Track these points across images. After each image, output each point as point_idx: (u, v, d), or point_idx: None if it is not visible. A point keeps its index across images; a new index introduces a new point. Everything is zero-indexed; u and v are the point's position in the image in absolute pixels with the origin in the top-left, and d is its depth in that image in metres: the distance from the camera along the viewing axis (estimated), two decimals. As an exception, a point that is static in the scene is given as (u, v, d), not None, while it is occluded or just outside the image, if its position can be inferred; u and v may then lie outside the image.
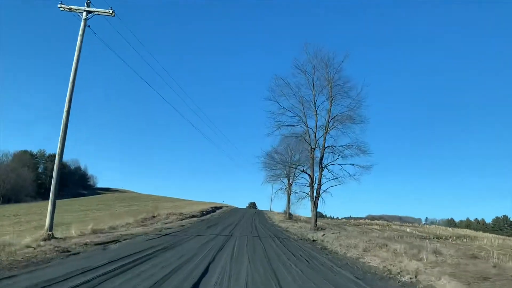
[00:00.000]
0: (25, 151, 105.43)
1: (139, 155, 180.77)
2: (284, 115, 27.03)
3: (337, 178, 26.34)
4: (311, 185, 26.31)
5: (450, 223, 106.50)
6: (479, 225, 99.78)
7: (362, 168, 25.62)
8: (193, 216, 32.93)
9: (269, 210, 68.33)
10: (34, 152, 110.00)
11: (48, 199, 12.78)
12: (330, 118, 26.26)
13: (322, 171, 26.23)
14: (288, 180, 44.97)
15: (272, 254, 11.69)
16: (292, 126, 27.12)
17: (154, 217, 27.57)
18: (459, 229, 60.34)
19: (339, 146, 26.20)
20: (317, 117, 26.60)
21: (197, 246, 12.22)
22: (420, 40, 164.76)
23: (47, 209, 12.56)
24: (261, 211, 68.82)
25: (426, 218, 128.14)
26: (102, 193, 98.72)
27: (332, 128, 26.25)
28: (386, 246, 14.91)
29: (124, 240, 12.91)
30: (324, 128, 26.48)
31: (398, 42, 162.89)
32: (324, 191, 26.34)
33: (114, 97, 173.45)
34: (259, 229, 25.21)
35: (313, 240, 19.90)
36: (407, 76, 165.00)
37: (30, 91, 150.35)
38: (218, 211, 47.61)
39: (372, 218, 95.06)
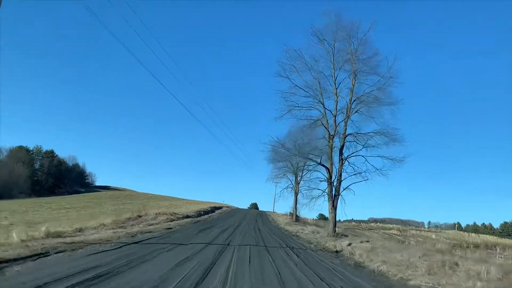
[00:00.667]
0: (21, 147, 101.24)
1: (141, 154, 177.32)
2: (296, 95, 22.22)
3: (359, 173, 21.49)
4: (329, 180, 21.43)
5: (457, 227, 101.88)
6: (487, 230, 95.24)
7: (391, 161, 20.74)
8: (187, 217, 28.49)
9: (272, 211, 63.80)
10: (31, 148, 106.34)
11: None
12: (353, 99, 21.40)
13: (342, 163, 21.34)
14: (296, 177, 40.16)
15: (294, 285, 6.93)
16: (306, 109, 22.25)
17: (140, 216, 23.34)
18: (484, 235, 55.21)
19: (363, 134, 21.29)
20: (337, 97, 21.71)
21: (167, 267, 7.37)
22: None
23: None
24: (263, 212, 64.12)
25: (429, 222, 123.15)
26: (99, 191, 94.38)
27: (355, 112, 21.38)
28: (457, 265, 10.10)
29: (58, 253, 8.22)
30: (344, 111, 21.63)
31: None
32: (345, 188, 21.44)
33: (117, 92, 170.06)
34: (264, 234, 20.48)
35: (336, 251, 15.27)
36: (409, 74, 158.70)
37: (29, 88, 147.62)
38: (217, 212, 43.02)
39: (375, 221, 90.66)
